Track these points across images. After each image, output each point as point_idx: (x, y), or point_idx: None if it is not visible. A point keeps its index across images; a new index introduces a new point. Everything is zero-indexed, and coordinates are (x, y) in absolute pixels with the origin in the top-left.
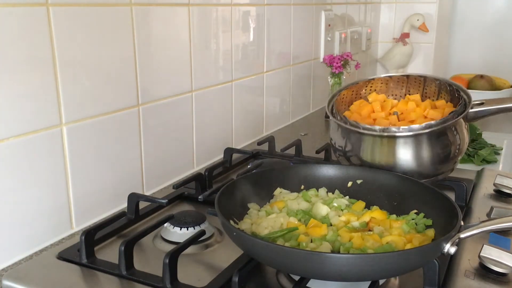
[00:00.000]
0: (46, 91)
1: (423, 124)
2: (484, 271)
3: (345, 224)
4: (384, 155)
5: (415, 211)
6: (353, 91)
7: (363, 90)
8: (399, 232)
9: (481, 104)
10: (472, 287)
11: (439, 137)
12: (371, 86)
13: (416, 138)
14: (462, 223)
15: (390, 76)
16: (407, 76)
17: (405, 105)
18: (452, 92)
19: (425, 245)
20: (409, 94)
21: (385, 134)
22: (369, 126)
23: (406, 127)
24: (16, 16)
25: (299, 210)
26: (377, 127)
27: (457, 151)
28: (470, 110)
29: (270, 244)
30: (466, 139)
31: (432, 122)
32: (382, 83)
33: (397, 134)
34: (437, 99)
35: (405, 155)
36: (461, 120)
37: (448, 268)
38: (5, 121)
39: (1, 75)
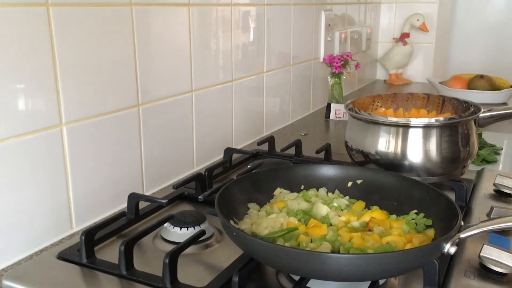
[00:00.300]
0: (46, 91)
1: (440, 118)
2: (484, 271)
3: (345, 224)
4: (399, 147)
5: (415, 211)
6: (362, 105)
7: (370, 107)
8: (399, 232)
9: (490, 110)
10: (472, 287)
11: (450, 135)
12: (378, 103)
13: (429, 131)
14: (462, 223)
15: (395, 94)
16: (411, 94)
17: (417, 113)
18: (457, 105)
19: (425, 245)
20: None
21: (401, 123)
22: (389, 117)
23: (422, 118)
24: (16, 16)
25: (299, 210)
26: (395, 118)
27: (466, 154)
28: (482, 115)
29: (270, 244)
30: (476, 144)
31: (447, 117)
32: (388, 99)
33: (412, 124)
34: (440, 113)
35: (417, 148)
36: (473, 124)
37: (448, 268)
38: (5, 121)
39: (1, 75)
